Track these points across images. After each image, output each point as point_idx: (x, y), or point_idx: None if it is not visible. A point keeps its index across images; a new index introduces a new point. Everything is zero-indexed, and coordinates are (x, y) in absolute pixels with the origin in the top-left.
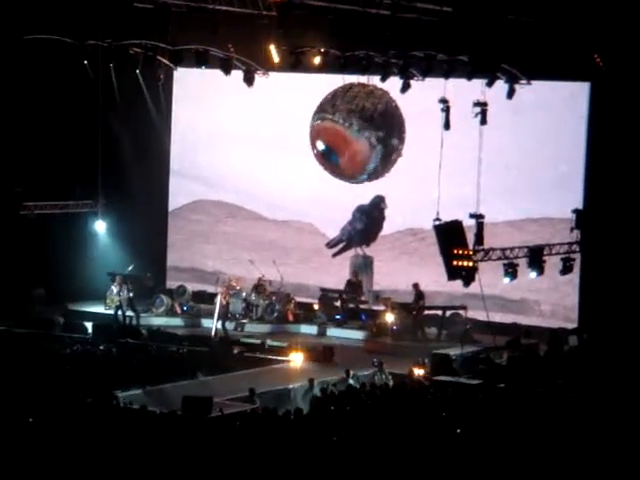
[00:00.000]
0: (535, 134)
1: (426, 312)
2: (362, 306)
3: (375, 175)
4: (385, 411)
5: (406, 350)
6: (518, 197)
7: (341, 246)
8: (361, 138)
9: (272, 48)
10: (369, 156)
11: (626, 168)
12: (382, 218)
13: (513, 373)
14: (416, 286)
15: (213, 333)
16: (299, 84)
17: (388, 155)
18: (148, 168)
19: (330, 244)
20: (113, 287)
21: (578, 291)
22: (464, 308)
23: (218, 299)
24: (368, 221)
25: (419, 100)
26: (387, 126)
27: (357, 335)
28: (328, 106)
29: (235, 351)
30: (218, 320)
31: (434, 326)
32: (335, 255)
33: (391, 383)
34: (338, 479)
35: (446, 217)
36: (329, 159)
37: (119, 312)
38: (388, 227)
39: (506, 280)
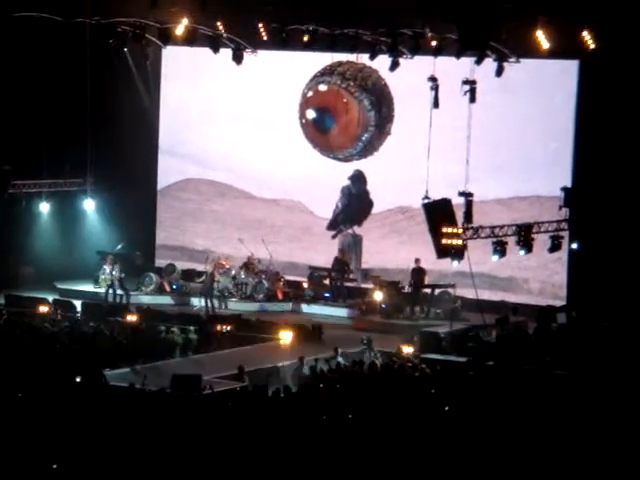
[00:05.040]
0: (524, 112)
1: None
2: (350, 284)
3: (365, 151)
4: (374, 389)
5: (395, 328)
6: (507, 175)
7: (338, 228)
8: (357, 101)
9: (261, 26)
10: (363, 125)
11: (615, 146)
12: (362, 193)
13: (502, 351)
14: (417, 261)
15: (203, 312)
16: (288, 62)
17: (381, 125)
18: (137, 147)
19: (328, 226)
20: (105, 266)
21: (566, 269)
22: (453, 286)
23: (206, 277)
24: (350, 198)
25: (408, 78)
26: (379, 96)
27: (342, 313)
28: (325, 72)
29: (223, 329)
30: (206, 298)
31: (423, 304)
32: (335, 237)
33: (380, 361)
34: (327, 457)
35: (435, 195)
36: (322, 125)
37: (110, 291)
38: (377, 205)
39: (495, 258)
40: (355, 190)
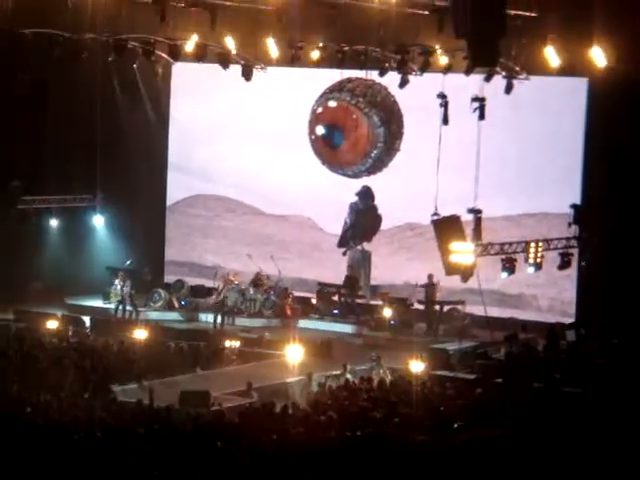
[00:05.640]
0: (533, 129)
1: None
2: (359, 300)
3: (374, 167)
4: (382, 406)
5: (404, 344)
6: (516, 192)
7: (348, 244)
8: (366, 117)
9: (271, 42)
10: (372, 141)
11: (624, 163)
12: (370, 209)
13: (510, 368)
14: (430, 277)
15: (213, 327)
16: (297, 79)
17: (390, 142)
18: (146, 162)
19: (339, 243)
20: (117, 282)
21: (575, 286)
22: (462, 303)
23: (216, 293)
24: (357, 214)
25: (417, 95)
26: (388, 112)
27: (351, 329)
28: (334, 89)
29: (232, 345)
30: (216, 314)
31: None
32: (345, 253)
33: (389, 378)
34: (334, 472)
35: (444, 212)
36: (331, 141)
37: (120, 306)
38: (386, 222)
39: (504, 275)
40: (362, 206)
